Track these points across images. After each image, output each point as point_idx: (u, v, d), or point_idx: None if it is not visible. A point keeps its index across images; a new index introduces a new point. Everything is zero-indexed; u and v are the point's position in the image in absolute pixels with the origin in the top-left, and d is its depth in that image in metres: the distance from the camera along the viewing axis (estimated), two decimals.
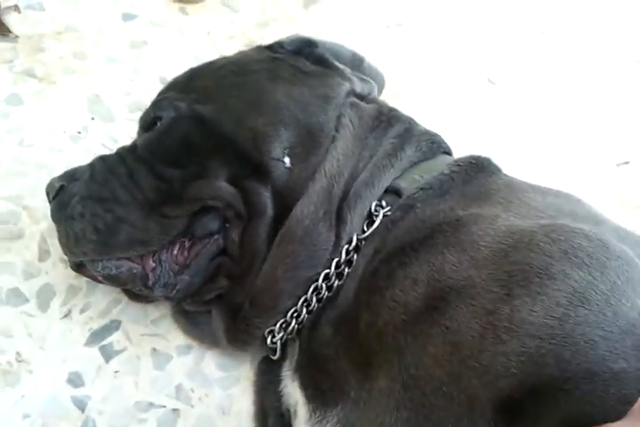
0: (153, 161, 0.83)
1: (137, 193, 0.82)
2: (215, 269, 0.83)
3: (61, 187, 0.87)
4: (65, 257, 0.92)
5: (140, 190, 0.82)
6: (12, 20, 1.25)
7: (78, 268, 0.89)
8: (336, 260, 0.78)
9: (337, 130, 0.83)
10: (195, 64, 0.94)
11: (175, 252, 0.83)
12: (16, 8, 1.26)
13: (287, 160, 0.80)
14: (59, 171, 0.94)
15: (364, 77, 0.96)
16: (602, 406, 0.56)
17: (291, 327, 0.81)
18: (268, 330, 0.82)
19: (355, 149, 0.83)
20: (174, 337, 0.95)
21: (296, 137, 0.82)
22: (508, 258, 0.65)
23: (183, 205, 0.81)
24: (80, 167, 0.89)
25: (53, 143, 1.11)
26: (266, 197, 0.80)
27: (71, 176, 0.88)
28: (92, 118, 1.16)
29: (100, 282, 0.88)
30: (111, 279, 0.84)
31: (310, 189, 0.79)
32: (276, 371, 0.85)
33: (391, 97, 1.19)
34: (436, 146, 0.89)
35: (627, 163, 1.27)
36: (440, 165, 0.84)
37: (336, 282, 0.79)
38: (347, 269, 0.78)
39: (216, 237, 0.83)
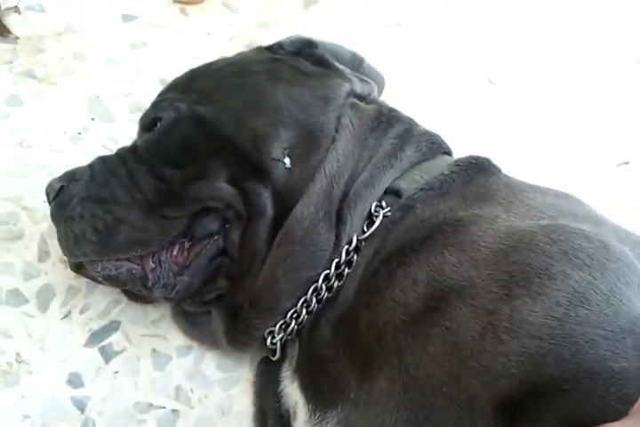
0: (153, 162, 0.83)
1: (137, 194, 0.82)
2: (215, 270, 0.83)
3: (61, 188, 0.87)
4: (65, 258, 0.92)
5: (140, 191, 0.82)
6: (12, 21, 1.25)
7: (78, 268, 0.89)
8: (336, 260, 0.78)
9: (337, 130, 0.83)
10: (195, 65, 0.94)
11: (175, 252, 0.83)
12: (16, 9, 1.26)
13: (287, 161, 0.80)
14: (59, 171, 0.94)
15: (364, 78, 0.96)
16: (602, 405, 0.56)
17: (290, 328, 0.81)
18: (267, 331, 0.82)
19: (355, 149, 0.83)
20: (174, 338, 0.95)
21: (296, 138, 0.82)
22: (508, 258, 0.66)
23: (183, 206, 0.80)
24: (80, 168, 0.89)
25: (53, 144, 1.12)
26: (266, 198, 0.79)
27: (71, 177, 0.88)
28: (92, 119, 1.16)
29: (99, 283, 0.88)
30: (111, 280, 0.84)
31: (310, 190, 0.79)
32: (275, 372, 0.85)
33: (391, 97, 1.19)
34: (436, 146, 0.88)
35: (627, 163, 1.27)
36: (440, 165, 0.84)
37: (336, 283, 0.79)
38: (346, 270, 0.78)
39: (216, 237, 0.82)
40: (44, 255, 0.99)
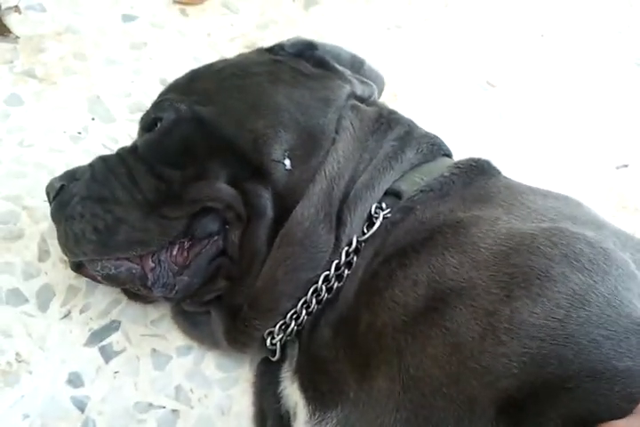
0: (153, 162, 0.83)
1: (137, 193, 0.82)
2: (214, 271, 0.83)
3: (61, 187, 0.87)
4: (65, 257, 0.92)
5: (140, 191, 0.82)
6: (12, 21, 1.25)
7: (78, 268, 0.89)
8: (336, 262, 0.78)
9: (337, 132, 0.83)
10: (195, 66, 0.94)
11: (174, 252, 0.83)
12: (17, 9, 1.26)
13: (287, 162, 0.80)
14: (59, 171, 0.94)
15: (365, 80, 0.96)
16: (607, 404, 0.56)
17: (290, 329, 0.81)
18: (267, 331, 0.82)
19: (355, 151, 0.83)
20: (174, 338, 0.95)
21: (296, 139, 0.82)
22: (509, 260, 0.66)
23: (183, 207, 0.81)
24: (80, 167, 0.89)
25: (53, 144, 1.11)
26: (266, 199, 0.79)
27: (71, 176, 0.88)
28: (93, 119, 1.16)
29: (99, 282, 0.88)
30: (110, 279, 0.84)
31: (310, 191, 0.79)
32: (275, 372, 0.85)
33: (391, 99, 1.20)
34: (436, 148, 0.89)
35: (626, 166, 1.28)
36: (440, 167, 0.84)
37: (336, 284, 0.79)
38: (346, 271, 0.78)
39: (216, 238, 0.83)
40: (44, 255, 1.00)
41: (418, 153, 0.86)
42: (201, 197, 0.80)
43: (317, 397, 0.76)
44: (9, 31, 1.23)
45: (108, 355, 0.93)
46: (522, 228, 0.70)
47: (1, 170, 1.07)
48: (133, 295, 0.93)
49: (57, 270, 0.98)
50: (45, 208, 0.93)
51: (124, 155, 0.86)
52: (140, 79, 1.23)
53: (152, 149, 0.84)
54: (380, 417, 0.68)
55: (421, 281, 0.70)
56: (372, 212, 0.80)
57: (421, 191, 0.81)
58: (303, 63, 0.92)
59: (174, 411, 0.91)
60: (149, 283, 0.83)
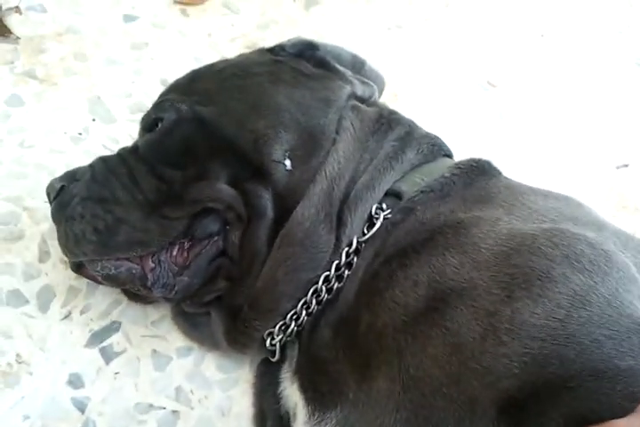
0: (154, 162, 0.83)
1: (137, 194, 0.82)
2: (214, 271, 0.83)
3: (62, 187, 0.87)
4: (65, 258, 0.92)
5: (141, 191, 0.82)
6: (13, 22, 1.25)
7: (78, 268, 0.89)
8: (336, 262, 0.78)
9: (338, 133, 0.83)
10: (195, 66, 0.94)
11: (174, 253, 0.83)
12: (17, 9, 1.26)
13: (288, 163, 0.80)
14: (59, 172, 0.94)
15: (366, 80, 0.96)
16: (608, 403, 0.56)
17: (290, 329, 0.81)
18: (267, 332, 0.82)
19: (356, 151, 0.83)
20: (174, 339, 0.95)
21: (297, 139, 0.82)
22: (510, 261, 0.66)
23: (183, 207, 0.81)
24: (81, 168, 0.89)
25: (54, 144, 1.11)
26: (266, 200, 0.79)
27: (72, 177, 0.88)
28: (93, 120, 1.16)
29: (99, 283, 0.89)
30: (110, 279, 0.84)
31: (311, 192, 0.79)
32: (275, 373, 0.85)
33: (392, 99, 1.20)
34: (436, 148, 0.89)
35: (626, 165, 1.28)
36: (441, 167, 0.84)
37: (336, 284, 0.79)
38: (347, 272, 0.78)
39: (216, 238, 0.83)
40: (44, 256, 0.99)
41: (418, 153, 0.86)
42: (202, 198, 0.80)
43: (317, 397, 0.76)
44: (9, 32, 1.23)
45: (108, 356, 0.93)
46: (523, 228, 0.70)
47: (1, 171, 1.07)
48: (133, 296, 0.93)
49: (57, 271, 0.98)
50: (46, 209, 0.93)
51: (124, 155, 0.86)
52: (141, 79, 1.23)
53: (153, 150, 0.84)
54: (379, 417, 0.68)
55: (422, 281, 0.70)
56: (373, 212, 0.80)
57: (422, 192, 0.80)
58: (304, 63, 0.92)
59: (175, 412, 0.91)
60: (149, 283, 0.83)
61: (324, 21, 1.39)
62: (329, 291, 0.79)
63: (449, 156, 0.91)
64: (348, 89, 0.90)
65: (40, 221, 1.02)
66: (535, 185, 0.85)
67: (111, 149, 1.11)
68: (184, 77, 0.93)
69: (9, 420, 0.87)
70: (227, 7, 1.37)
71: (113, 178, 0.84)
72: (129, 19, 1.31)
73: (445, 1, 1.47)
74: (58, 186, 0.87)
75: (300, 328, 0.81)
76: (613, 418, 0.53)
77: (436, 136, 0.91)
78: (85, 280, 0.95)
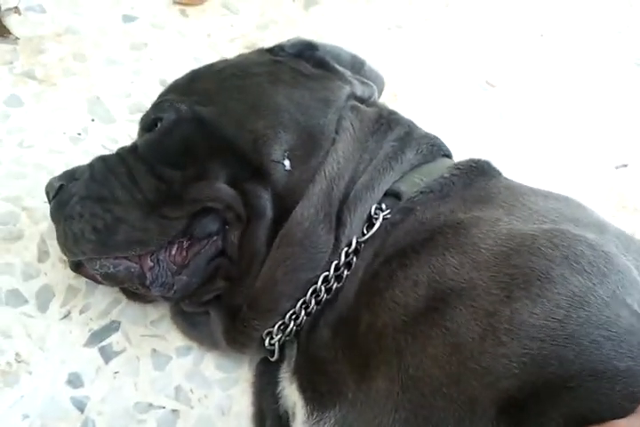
0: (153, 162, 0.83)
1: (136, 193, 0.82)
2: (213, 271, 0.83)
3: (61, 186, 0.87)
4: (64, 258, 0.92)
5: (140, 190, 0.82)
6: (12, 22, 1.25)
7: (77, 268, 0.89)
8: (335, 262, 0.78)
9: (337, 133, 0.83)
10: (195, 66, 0.94)
11: (173, 252, 0.83)
12: (16, 10, 1.26)
13: (287, 163, 0.80)
14: (58, 172, 0.93)
15: (365, 81, 0.96)
16: (608, 403, 0.56)
17: (289, 329, 0.81)
18: (266, 332, 0.82)
19: (355, 152, 0.83)
20: (174, 338, 0.95)
21: (296, 140, 0.82)
22: (510, 261, 0.66)
23: (183, 207, 0.81)
24: (80, 167, 0.89)
25: (53, 145, 1.11)
26: (265, 200, 0.79)
27: (71, 176, 0.88)
28: (92, 120, 1.16)
29: (99, 282, 0.89)
30: (109, 278, 0.84)
31: (310, 192, 0.79)
32: (274, 373, 0.85)
33: (391, 99, 1.20)
34: (436, 149, 0.89)
35: (625, 165, 1.28)
36: (440, 168, 0.84)
37: (335, 284, 0.79)
38: (346, 272, 0.78)
39: (215, 238, 0.83)
40: (43, 256, 0.99)
41: (418, 154, 0.86)
42: (201, 198, 0.80)
43: (316, 397, 0.76)
44: (9, 32, 1.23)
45: (107, 355, 0.93)
46: (523, 229, 0.70)
47: (1, 171, 1.07)
48: (132, 295, 0.93)
49: (56, 271, 0.98)
50: (45, 209, 0.93)
51: (123, 155, 0.86)
52: (140, 80, 1.23)
53: (152, 149, 0.84)
54: (378, 417, 0.68)
55: (422, 281, 0.70)
56: (372, 213, 0.80)
57: (421, 192, 0.81)
58: (303, 64, 0.92)
59: (174, 411, 0.91)
60: (148, 282, 0.83)
61: (324, 21, 1.39)
62: (328, 291, 0.79)
63: (448, 156, 0.91)
64: (347, 89, 0.90)
65: (39, 221, 1.02)
66: (535, 185, 0.85)
67: (110, 149, 1.10)
68: (183, 78, 0.93)
69: (8, 419, 0.87)
70: (226, 8, 1.37)
71: (112, 177, 0.84)
72: (128, 19, 1.31)
73: (445, 1, 1.47)
74: (57, 185, 0.87)
75: (299, 328, 0.81)
76: (614, 418, 0.53)
77: (435, 136, 0.91)
78: (84, 280, 0.95)
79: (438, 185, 0.82)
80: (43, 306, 0.95)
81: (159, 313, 0.97)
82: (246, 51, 1.03)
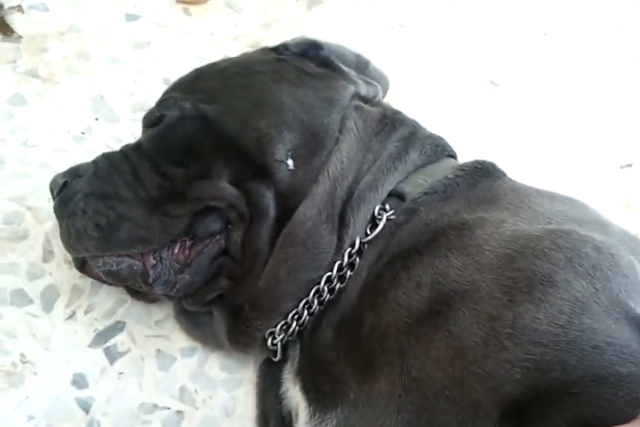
0: (157, 159, 0.83)
1: (140, 191, 0.82)
2: (216, 270, 0.83)
3: (65, 183, 0.87)
4: (69, 258, 0.92)
5: (143, 188, 0.82)
6: (15, 21, 1.25)
7: (82, 266, 0.89)
8: (338, 263, 0.78)
9: (341, 132, 0.83)
10: (198, 65, 0.94)
11: (176, 250, 0.83)
12: (19, 8, 1.26)
13: (290, 162, 0.80)
14: None
15: (370, 80, 0.96)
16: (611, 408, 0.56)
17: (291, 329, 0.81)
18: (268, 332, 0.82)
19: (359, 152, 0.83)
20: (178, 339, 0.95)
21: (300, 139, 0.81)
22: (513, 264, 0.66)
23: (186, 205, 0.81)
24: (84, 164, 0.90)
25: (57, 144, 1.11)
26: (268, 199, 0.79)
27: (75, 173, 0.88)
28: (96, 119, 1.16)
29: (104, 282, 0.89)
30: (112, 275, 0.84)
31: (313, 192, 0.79)
32: (277, 373, 0.86)
33: (395, 98, 1.20)
34: (440, 149, 0.89)
35: (630, 165, 1.27)
36: (444, 168, 0.84)
37: (338, 285, 0.79)
38: (349, 272, 0.78)
39: (218, 237, 0.83)
40: (48, 255, 1.00)
41: (422, 154, 0.86)
42: (204, 196, 0.80)
43: (319, 398, 0.77)
44: (12, 31, 1.23)
45: (112, 356, 0.93)
46: (527, 230, 0.70)
47: (5, 170, 1.07)
48: (136, 293, 0.93)
49: (61, 271, 0.98)
50: (49, 208, 0.92)
51: (127, 152, 0.86)
52: (144, 78, 1.23)
53: (156, 147, 0.84)
54: (380, 419, 0.68)
55: (425, 283, 0.70)
56: (376, 213, 0.80)
57: (425, 193, 0.81)
58: (307, 63, 0.92)
59: (179, 412, 0.91)
60: (150, 280, 0.83)
61: (327, 21, 1.39)
62: (331, 291, 0.79)
63: (453, 156, 0.91)
64: (351, 89, 0.89)
65: (44, 221, 1.02)
66: (539, 185, 0.85)
67: (114, 148, 1.07)
68: (187, 76, 0.92)
69: (13, 420, 0.87)
70: (229, 6, 1.37)
71: (116, 174, 0.84)
72: (131, 18, 1.31)
73: (448, 0, 1.47)
74: (61, 182, 0.88)
75: (302, 328, 0.81)
76: (616, 424, 0.53)
77: (439, 137, 0.91)
78: (89, 280, 0.95)
79: (442, 186, 0.82)
80: (47, 306, 0.95)
81: (164, 313, 0.97)
82: (249, 49, 1.03)
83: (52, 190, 0.90)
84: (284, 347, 0.84)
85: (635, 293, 0.64)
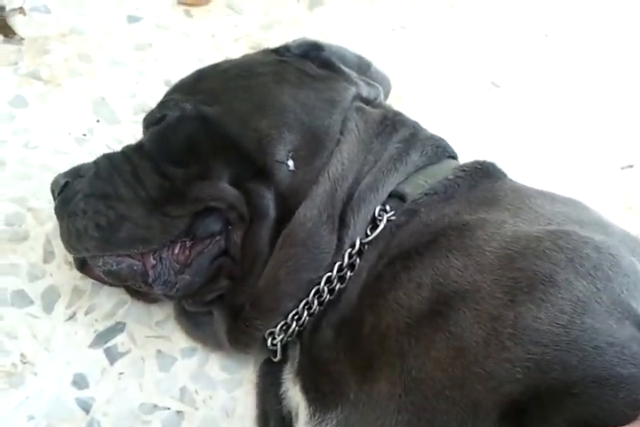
0: (158, 159, 0.83)
1: (140, 191, 0.82)
2: (216, 270, 0.83)
3: (66, 183, 0.87)
4: (70, 259, 0.93)
5: (144, 188, 0.82)
6: (17, 23, 1.25)
7: (82, 266, 0.89)
8: (338, 263, 0.78)
9: (342, 134, 0.83)
10: (199, 67, 0.94)
11: (176, 251, 0.83)
12: (21, 10, 1.26)
13: (291, 163, 0.80)
14: None
15: (371, 82, 0.96)
16: (611, 410, 0.56)
17: (291, 329, 0.81)
18: (268, 332, 0.82)
19: (359, 153, 0.83)
20: (179, 339, 0.95)
21: (300, 140, 0.82)
22: (514, 264, 0.66)
23: (186, 205, 0.81)
24: (85, 164, 0.90)
25: (58, 145, 1.12)
26: (268, 200, 0.79)
27: (76, 173, 0.88)
28: (97, 121, 1.16)
29: (104, 283, 0.89)
30: (112, 275, 0.84)
31: (314, 193, 0.79)
32: (277, 373, 0.86)
33: (396, 100, 1.19)
34: (440, 150, 0.89)
35: (631, 166, 1.27)
36: (445, 169, 0.84)
37: (338, 285, 0.79)
38: (349, 273, 0.78)
39: (218, 238, 0.83)
40: (49, 256, 1.00)
41: (422, 155, 0.86)
42: (204, 197, 0.80)
43: (319, 398, 0.76)
44: (13, 33, 1.23)
45: (113, 356, 0.93)
46: (528, 231, 0.70)
47: (6, 172, 1.07)
48: (136, 293, 0.93)
49: (62, 272, 0.98)
50: (50, 210, 0.92)
51: (128, 153, 0.87)
52: (145, 80, 1.23)
53: (157, 147, 0.84)
54: (380, 419, 0.68)
55: (425, 284, 0.70)
56: (376, 214, 0.80)
57: (426, 194, 0.81)
58: (309, 64, 0.92)
59: (179, 412, 0.91)
60: (150, 280, 0.83)
61: (328, 22, 1.39)
62: (331, 292, 0.79)
63: (453, 157, 0.91)
64: (352, 90, 0.89)
65: (44, 222, 1.02)
66: (540, 186, 0.85)
67: (115, 149, 1.09)
68: (188, 77, 0.93)
69: (13, 420, 0.87)
70: (230, 8, 1.37)
71: (116, 175, 0.84)
72: (133, 20, 1.31)
73: (449, 2, 1.47)
74: (62, 182, 0.88)
75: (302, 328, 0.81)
76: (616, 425, 0.53)
77: (440, 138, 0.91)
78: (90, 281, 0.95)
79: (443, 187, 0.82)
80: (48, 307, 0.96)
81: (164, 314, 0.97)
82: (250, 51, 1.03)
83: (52, 191, 0.91)
84: (284, 347, 0.84)
85: (636, 292, 0.64)
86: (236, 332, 0.84)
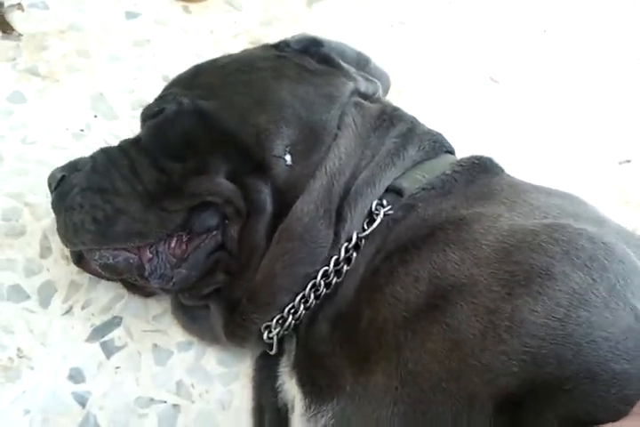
0: (155, 153, 0.83)
1: (137, 185, 0.82)
2: (213, 264, 0.83)
3: (63, 177, 0.87)
4: (66, 254, 0.93)
5: (141, 182, 0.82)
6: (15, 19, 1.26)
7: (79, 260, 0.89)
8: (335, 257, 0.78)
9: (339, 128, 0.83)
10: (197, 62, 0.94)
11: (173, 245, 0.83)
12: (20, 6, 1.27)
13: (288, 158, 0.80)
14: None
15: (370, 77, 0.96)
16: (603, 405, 0.56)
17: (287, 323, 0.81)
18: (264, 325, 0.82)
19: (357, 147, 0.83)
20: (175, 333, 0.95)
21: (298, 135, 0.81)
22: (511, 257, 0.66)
23: (182, 200, 0.81)
24: (82, 158, 0.90)
25: (56, 141, 1.12)
26: (265, 195, 0.79)
27: (73, 167, 0.88)
28: (95, 116, 1.16)
29: (101, 277, 0.89)
30: (108, 269, 0.84)
31: (311, 187, 0.79)
32: (273, 367, 0.86)
33: (395, 95, 1.19)
34: (438, 145, 0.88)
35: (628, 161, 1.27)
36: (442, 164, 0.84)
37: (334, 279, 0.79)
38: (346, 267, 0.78)
39: (215, 232, 0.83)
40: (45, 251, 1.00)
41: (420, 150, 0.86)
42: (200, 191, 0.80)
43: (315, 391, 0.76)
44: (12, 29, 1.24)
45: (109, 350, 0.93)
46: (524, 224, 0.70)
47: (3, 167, 1.07)
48: (132, 287, 0.93)
49: (59, 267, 0.99)
50: (47, 205, 0.93)
51: (126, 147, 0.87)
52: (143, 76, 1.23)
53: (154, 141, 0.84)
54: (376, 411, 0.68)
55: (422, 277, 0.70)
56: (373, 208, 0.80)
57: (423, 189, 0.81)
58: (308, 59, 0.92)
59: (175, 406, 0.91)
60: (146, 273, 0.83)
61: (327, 18, 1.39)
62: (327, 286, 0.79)
63: (451, 152, 0.91)
64: (351, 85, 0.89)
65: (41, 217, 1.02)
66: (537, 181, 0.85)
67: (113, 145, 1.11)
68: (187, 72, 0.93)
69: (10, 414, 0.87)
70: (229, 4, 1.37)
71: (113, 169, 0.84)
72: (131, 15, 1.31)
73: None
74: (59, 176, 0.88)
75: (298, 322, 0.81)
76: (608, 421, 0.53)
77: (438, 133, 0.91)
78: (87, 275, 0.95)
79: (440, 182, 0.81)
80: (45, 301, 0.96)
81: (161, 308, 0.97)
82: (250, 47, 1.02)
83: (49, 184, 0.91)
84: (281, 341, 0.84)
85: (633, 278, 0.63)
86: (233, 325, 0.84)
